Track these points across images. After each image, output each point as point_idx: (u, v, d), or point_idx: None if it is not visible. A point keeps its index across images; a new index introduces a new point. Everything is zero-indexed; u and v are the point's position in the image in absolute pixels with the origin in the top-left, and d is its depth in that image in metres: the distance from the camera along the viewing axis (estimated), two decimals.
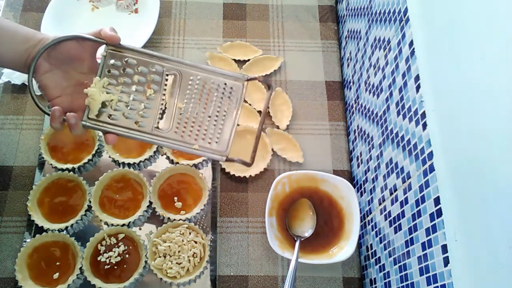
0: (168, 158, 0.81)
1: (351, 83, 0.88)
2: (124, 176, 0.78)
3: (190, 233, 0.74)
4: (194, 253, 0.73)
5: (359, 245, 0.79)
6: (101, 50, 0.61)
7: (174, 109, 0.62)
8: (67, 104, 0.60)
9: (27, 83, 0.85)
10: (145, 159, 0.80)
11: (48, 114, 0.58)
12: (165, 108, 0.62)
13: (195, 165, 0.80)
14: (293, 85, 0.92)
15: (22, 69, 0.60)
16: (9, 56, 0.59)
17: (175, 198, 0.77)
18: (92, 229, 0.76)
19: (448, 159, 0.50)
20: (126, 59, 0.61)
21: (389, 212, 0.66)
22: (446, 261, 0.49)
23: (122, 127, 0.61)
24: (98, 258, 0.72)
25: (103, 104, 0.60)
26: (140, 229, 0.77)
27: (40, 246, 0.72)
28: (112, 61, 0.60)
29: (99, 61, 0.61)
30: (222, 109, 0.62)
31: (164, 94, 0.62)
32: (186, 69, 0.62)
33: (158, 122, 0.62)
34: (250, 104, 0.88)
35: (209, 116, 0.62)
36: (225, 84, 0.62)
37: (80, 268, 0.70)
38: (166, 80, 0.62)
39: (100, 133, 0.81)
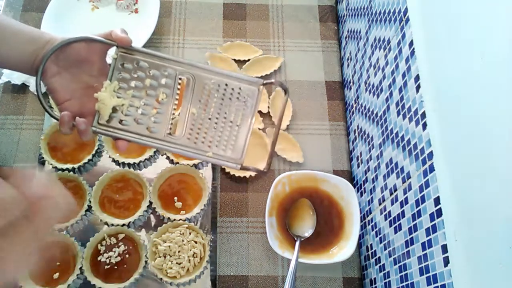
0: (168, 158, 0.81)
1: (351, 83, 0.88)
2: (124, 176, 0.78)
3: (190, 233, 0.74)
4: (194, 253, 0.73)
5: (359, 245, 0.79)
6: (111, 52, 0.59)
7: (187, 114, 0.59)
8: (76, 108, 0.57)
9: (28, 84, 0.86)
10: (145, 159, 0.80)
11: (57, 119, 0.56)
12: (178, 113, 0.60)
13: (195, 165, 0.80)
14: (293, 85, 0.92)
15: (29, 71, 0.57)
16: (15, 57, 0.56)
17: (175, 198, 0.77)
18: (92, 229, 0.76)
19: (448, 159, 0.50)
20: (137, 62, 0.58)
21: (389, 212, 0.66)
22: (446, 261, 0.49)
23: (133, 133, 0.59)
24: (98, 258, 0.72)
25: (114, 109, 0.58)
26: (140, 229, 0.77)
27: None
28: (123, 64, 0.58)
29: (109, 61, 0.58)
30: (236, 114, 0.60)
31: (177, 99, 0.60)
32: (199, 73, 0.59)
33: (170, 128, 0.59)
34: None
35: (223, 122, 0.60)
36: (240, 88, 0.59)
37: (80, 268, 0.70)
38: (179, 84, 0.59)
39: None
